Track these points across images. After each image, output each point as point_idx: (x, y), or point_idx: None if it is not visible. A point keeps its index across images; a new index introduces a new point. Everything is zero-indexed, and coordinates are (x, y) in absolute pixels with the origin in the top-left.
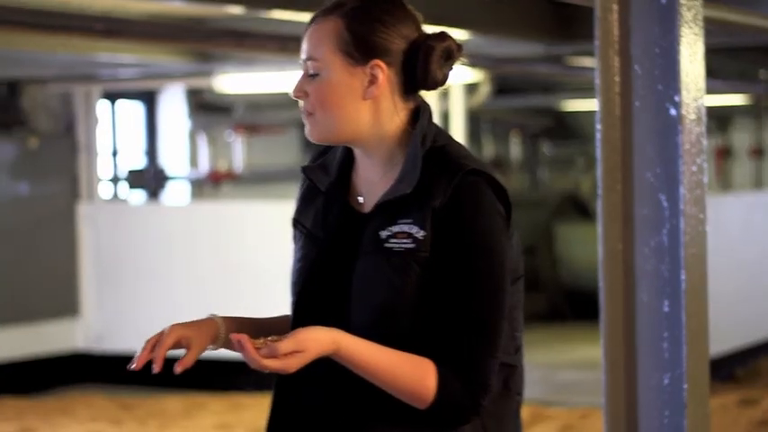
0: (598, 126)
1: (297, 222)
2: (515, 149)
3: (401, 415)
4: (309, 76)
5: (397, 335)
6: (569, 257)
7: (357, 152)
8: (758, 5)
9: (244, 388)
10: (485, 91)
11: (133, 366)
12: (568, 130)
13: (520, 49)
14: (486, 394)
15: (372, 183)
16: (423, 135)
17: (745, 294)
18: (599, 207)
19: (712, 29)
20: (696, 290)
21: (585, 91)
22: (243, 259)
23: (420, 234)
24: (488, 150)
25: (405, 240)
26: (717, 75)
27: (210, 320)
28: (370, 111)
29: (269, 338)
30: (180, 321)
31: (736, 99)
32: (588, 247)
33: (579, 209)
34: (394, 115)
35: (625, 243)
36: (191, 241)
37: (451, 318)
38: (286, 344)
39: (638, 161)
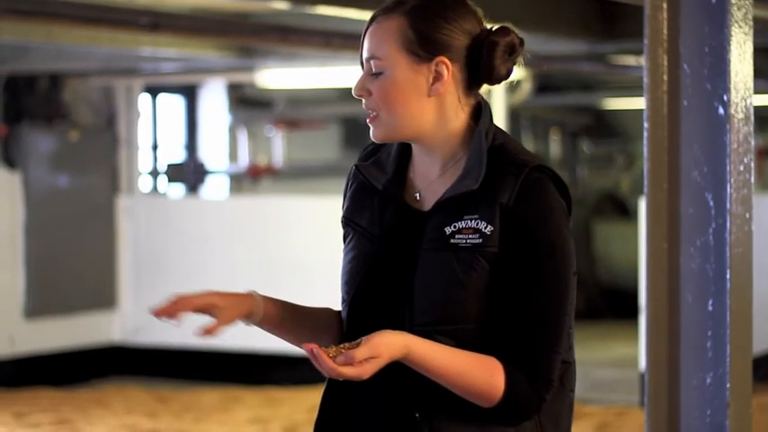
0: (645, 125)
1: (349, 221)
2: (555, 147)
3: (466, 411)
4: (372, 75)
5: (463, 330)
6: (607, 256)
7: (416, 149)
8: None
9: (280, 382)
10: (527, 89)
11: (153, 313)
12: (608, 128)
13: (563, 47)
14: (550, 390)
15: (431, 180)
16: (486, 131)
17: None
18: (644, 206)
19: (756, 28)
20: (741, 289)
21: (626, 89)
22: (282, 254)
23: (488, 229)
24: (528, 148)
25: (472, 236)
26: (758, 75)
27: (249, 296)
28: (435, 108)
29: (341, 346)
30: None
31: None
32: (626, 246)
33: (618, 207)
34: (458, 111)
35: (670, 242)
36: (229, 236)
37: (519, 314)
38: (361, 351)
39: (684, 160)
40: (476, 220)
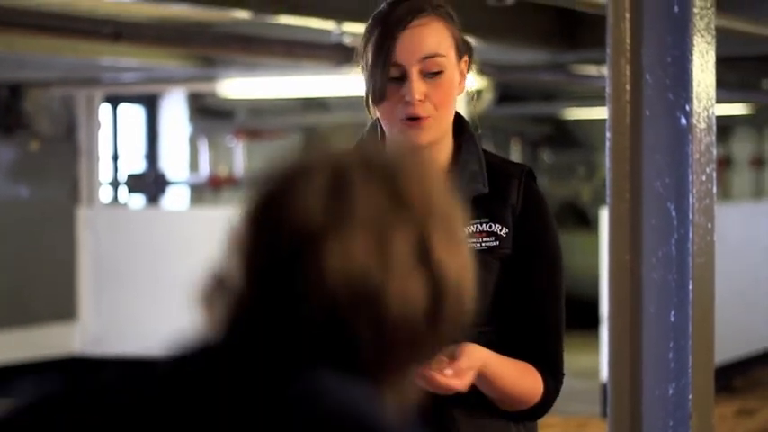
0: (608, 134)
1: None
2: (515, 157)
3: (484, 404)
4: (428, 76)
5: (481, 334)
6: (568, 265)
7: None
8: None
9: None
10: (487, 98)
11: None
12: (569, 138)
13: (524, 57)
14: (562, 385)
15: None
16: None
17: (743, 304)
18: (606, 217)
19: (718, 39)
20: (703, 300)
21: (586, 99)
22: None
23: (503, 231)
24: None
25: (486, 239)
26: (718, 84)
27: None
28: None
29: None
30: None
31: (736, 109)
32: (587, 256)
33: (579, 217)
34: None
35: (633, 253)
36: (189, 246)
37: (536, 315)
38: (464, 362)
39: (647, 170)
40: (488, 223)
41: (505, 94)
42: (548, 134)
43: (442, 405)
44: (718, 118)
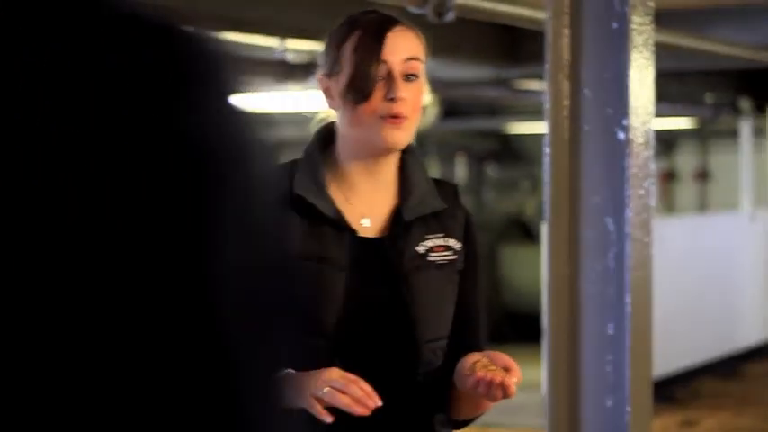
0: (546, 149)
1: (298, 255)
2: (461, 171)
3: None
4: (406, 78)
5: (445, 343)
6: (512, 279)
7: (362, 170)
8: (705, 30)
9: None
10: (432, 113)
11: None
12: (514, 153)
13: (468, 73)
14: None
15: (372, 204)
16: None
17: (686, 316)
18: (546, 230)
19: (659, 52)
20: (641, 313)
21: (531, 114)
22: None
23: (458, 246)
24: (434, 173)
25: (445, 253)
26: (662, 98)
27: None
28: None
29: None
30: None
31: (681, 123)
32: (531, 270)
33: (523, 231)
34: None
35: (571, 267)
36: None
37: (477, 325)
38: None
39: (585, 185)
40: (443, 237)
41: (451, 109)
42: (493, 149)
43: (422, 415)
44: (663, 132)
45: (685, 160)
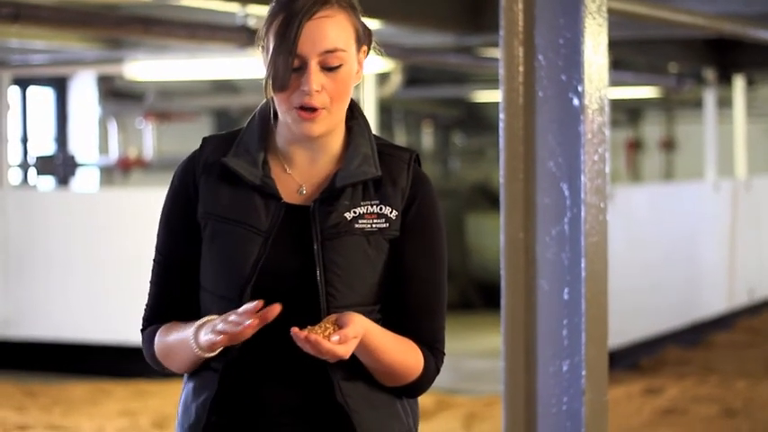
0: (501, 115)
1: (218, 216)
2: (427, 140)
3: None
4: (327, 69)
5: (371, 312)
6: (479, 247)
7: (298, 144)
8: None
9: (148, 375)
10: (396, 81)
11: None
12: (480, 121)
13: (431, 40)
14: (442, 362)
15: (310, 173)
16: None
17: (651, 285)
18: (501, 196)
19: (622, 21)
20: (596, 278)
21: (496, 82)
22: (151, 247)
23: (393, 214)
24: (400, 141)
25: (377, 220)
26: (627, 67)
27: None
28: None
29: (313, 328)
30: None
31: (646, 92)
32: (498, 238)
33: (490, 199)
34: None
35: (526, 231)
36: (99, 229)
37: (420, 295)
38: (351, 330)
39: (540, 150)
40: (377, 205)
41: (416, 77)
42: (459, 117)
43: (324, 371)
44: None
45: (651, 129)
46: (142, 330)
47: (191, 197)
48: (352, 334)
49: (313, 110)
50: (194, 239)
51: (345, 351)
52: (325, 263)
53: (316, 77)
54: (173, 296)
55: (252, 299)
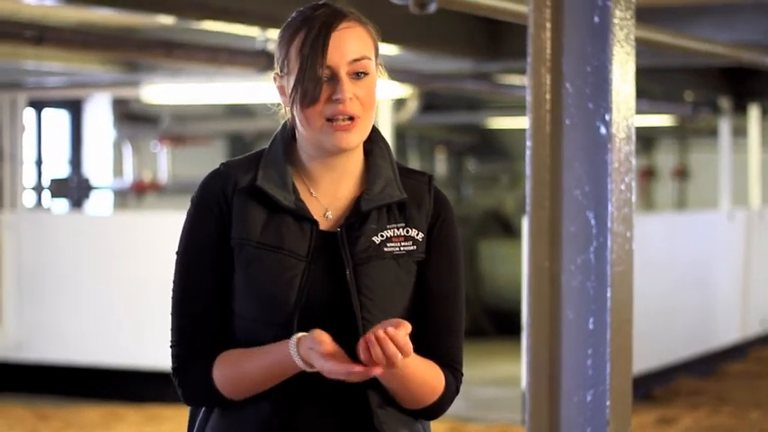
0: (528, 143)
1: (254, 242)
2: (440, 166)
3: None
4: (355, 77)
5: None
6: (492, 274)
7: (322, 165)
8: (686, 27)
9: (162, 399)
10: (412, 107)
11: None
12: (493, 147)
13: (449, 66)
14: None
15: (335, 196)
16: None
17: (664, 314)
18: (526, 224)
19: (640, 50)
20: (622, 307)
21: (511, 109)
22: (167, 271)
23: (420, 236)
24: (414, 166)
25: (404, 243)
26: (642, 95)
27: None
28: None
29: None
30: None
31: (660, 120)
32: (511, 265)
33: (502, 226)
34: None
35: (552, 260)
36: (113, 252)
37: (444, 317)
38: (405, 324)
39: (566, 179)
40: (404, 227)
41: (431, 102)
42: (472, 143)
43: (361, 398)
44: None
45: (665, 158)
46: (179, 369)
47: (223, 220)
48: (408, 327)
49: (350, 119)
50: (226, 264)
51: (409, 345)
52: (358, 287)
53: (348, 86)
54: (212, 329)
55: (299, 322)
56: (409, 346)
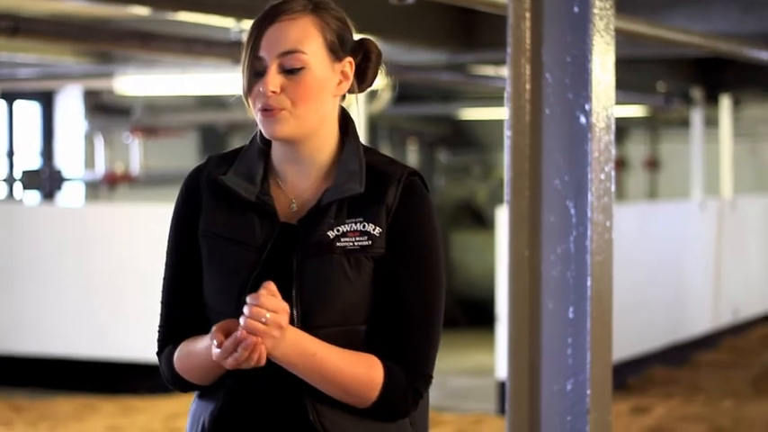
0: (508, 133)
1: (216, 234)
2: (412, 157)
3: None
4: (287, 71)
5: (355, 331)
6: (464, 265)
7: (286, 158)
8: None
9: (136, 390)
10: (385, 98)
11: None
12: (465, 138)
13: (423, 57)
14: (428, 386)
15: (302, 189)
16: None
17: (637, 304)
18: (506, 213)
19: (615, 40)
20: (601, 296)
21: (483, 100)
22: (138, 262)
23: (377, 231)
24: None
25: (359, 238)
26: (615, 86)
27: None
28: (330, 110)
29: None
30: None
31: (632, 111)
32: (483, 256)
33: (475, 217)
34: (336, 117)
35: (532, 250)
36: (85, 243)
37: (401, 313)
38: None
39: (546, 168)
40: (361, 222)
41: (403, 93)
42: (444, 134)
43: (299, 396)
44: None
45: (635, 148)
46: (158, 353)
47: (195, 214)
48: (268, 303)
49: (271, 109)
50: (198, 256)
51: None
52: (302, 281)
53: (273, 78)
54: (185, 316)
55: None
56: (273, 303)
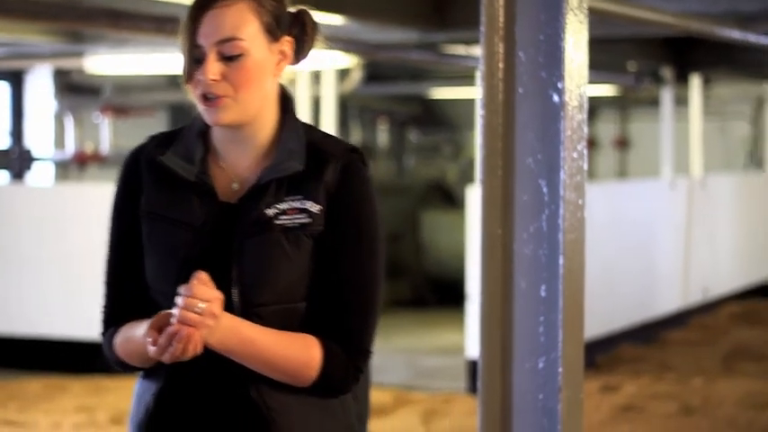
0: (481, 111)
1: (156, 214)
2: (382, 136)
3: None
4: (226, 59)
5: (294, 309)
6: (434, 245)
7: (225, 137)
8: None
9: (105, 370)
10: (356, 77)
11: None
12: (436, 118)
13: (393, 36)
14: (367, 361)
15: (242, 167)
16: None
17: (607, 283)
18: (479, 192)
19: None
20: (574, 275)
21: (454, 79)
22: (105, 242)
23: (316, 209)
24: (356, 137)
25: (298, 216)
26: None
27: None
28: (270, 89)
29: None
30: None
31: (602, 90)
32: (453, 235)
33: (445, 197)
34: (276, 95)
35: (504, 228)
36: (55, 223)
37: (339, 289)
38: (199, 290)
39: (519, 147)
40: (300, 200)
41: (373, 73)
42: (415, 114)
43: (243, 384)
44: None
45: (605, 128)
46: (102, 334)
47: (137, 194)
48: (200, 293)
49: (214, 98)
50: (139, 236)
51: (201, 319)
52: (241, 260)
53: (212, 66)
54: (127, 297)
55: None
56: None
